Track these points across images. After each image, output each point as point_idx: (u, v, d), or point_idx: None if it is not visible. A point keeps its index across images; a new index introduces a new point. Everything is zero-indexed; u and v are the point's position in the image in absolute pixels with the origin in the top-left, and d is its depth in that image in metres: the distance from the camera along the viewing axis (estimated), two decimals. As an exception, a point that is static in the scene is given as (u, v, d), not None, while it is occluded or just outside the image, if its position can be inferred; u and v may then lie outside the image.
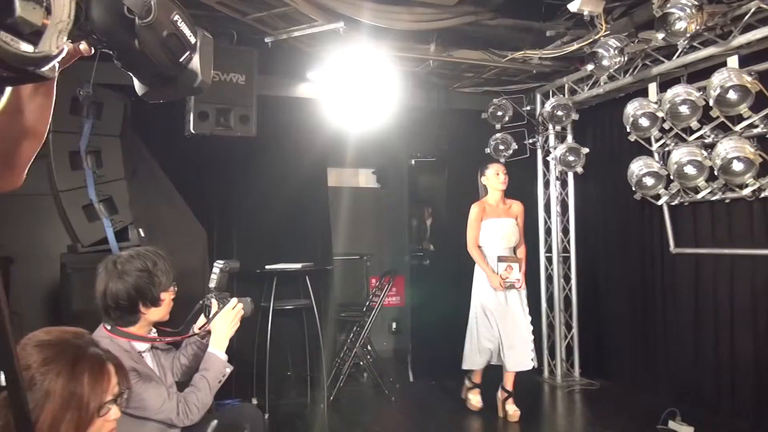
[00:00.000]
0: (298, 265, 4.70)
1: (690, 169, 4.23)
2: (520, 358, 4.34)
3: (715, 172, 4.05)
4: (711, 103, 3.94)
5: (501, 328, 4.35)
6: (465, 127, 5.75)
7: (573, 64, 5.06)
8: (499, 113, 5.49)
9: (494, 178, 4.48)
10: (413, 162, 5.90)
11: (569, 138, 5.47)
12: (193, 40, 0.96)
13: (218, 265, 2.40)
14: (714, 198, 4.29)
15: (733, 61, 3.98)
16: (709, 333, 4.48)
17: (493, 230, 4.45)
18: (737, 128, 4.02)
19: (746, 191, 4.00)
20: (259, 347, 4.58)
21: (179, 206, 4.27)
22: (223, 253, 4.57)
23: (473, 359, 4.50)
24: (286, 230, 5.05)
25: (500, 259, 4.38)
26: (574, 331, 5.54)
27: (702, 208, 4.53)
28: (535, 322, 5.63)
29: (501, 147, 5.55)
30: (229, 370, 2.27)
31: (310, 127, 5.11)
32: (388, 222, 5.98)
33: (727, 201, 4.27)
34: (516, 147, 5.57)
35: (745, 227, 4.23)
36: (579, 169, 5.24)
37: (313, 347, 4.90)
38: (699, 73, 4.27)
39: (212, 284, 2.38)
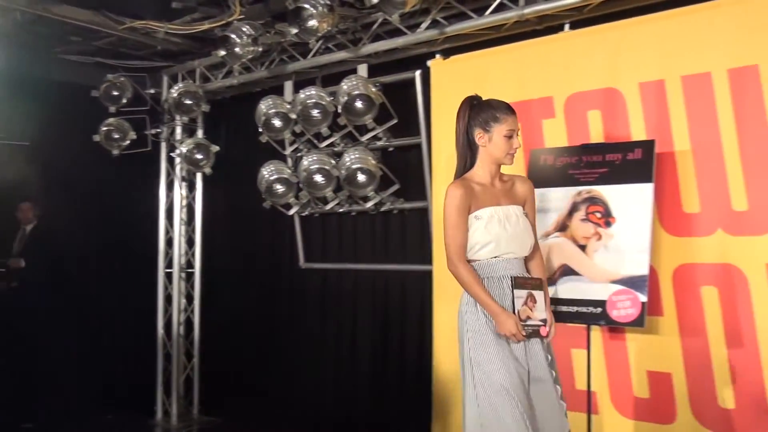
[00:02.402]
0: None
1: (319, 178, 4.36)
2: None
3: (341, 183, 4.24)
4: (340, 109, 4.16)
5: (530, 413, 2.51)
6: (69, 105, 5.14)
7: (206, 46, 4.85)
8: (115, 93, 5.07)
9: (502, 143, 2.61)
10: (-9, 145, 4.91)
11: (199, 133, 5.28)
12: None
13: None
14: (342, 210, 4.49)
15: (362, 69, 4.29)
16: (330, 352, 4.64)
17: (493, 228, 2.62)
18: (363, 139, 4.30)
19: (369, 204, 4.27)
20: None
21: None
22: None
23: None
24: None
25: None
26: (195, 361, 5.25)
27: (330, 220, 4.71)
28: (150, 352, 5.24)
29: (115, 135, 5.10)
30: None
31: None
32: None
33: (353, 213, 4.52)
34: (135, 137, 5.15)
35: (368, 241, 4.51)
36: (207, 170, 5.04)
37: None
38: (334, 78, 4.43)
39: None
